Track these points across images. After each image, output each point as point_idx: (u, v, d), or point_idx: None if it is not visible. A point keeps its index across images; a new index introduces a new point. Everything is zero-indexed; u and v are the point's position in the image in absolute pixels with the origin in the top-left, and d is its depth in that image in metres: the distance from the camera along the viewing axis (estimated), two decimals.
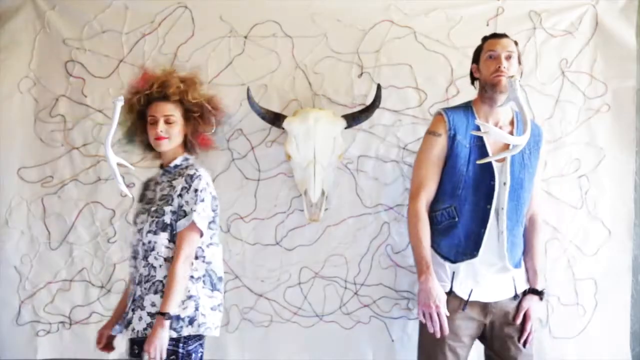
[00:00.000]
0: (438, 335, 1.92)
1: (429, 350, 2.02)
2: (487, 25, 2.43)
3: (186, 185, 1.89)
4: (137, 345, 1.84)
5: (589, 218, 2.43)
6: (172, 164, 1.98)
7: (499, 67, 1.99)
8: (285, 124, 2.32)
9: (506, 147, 1.98)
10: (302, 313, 2.45)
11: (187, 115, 1.98)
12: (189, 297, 1.85)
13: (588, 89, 2.44)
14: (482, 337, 2.08)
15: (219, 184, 2.47)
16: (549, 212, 2.39)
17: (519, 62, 2.06)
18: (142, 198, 2.04)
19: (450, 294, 1.99)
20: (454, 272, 2.01)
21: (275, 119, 2.34)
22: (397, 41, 2.45)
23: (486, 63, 2.03)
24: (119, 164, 1.95)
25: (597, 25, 2.43)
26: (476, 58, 2.11)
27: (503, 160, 1.99)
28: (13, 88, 2.52)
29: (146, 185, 2.07)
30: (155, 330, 1.77)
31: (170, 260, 1.86)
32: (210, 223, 1.93)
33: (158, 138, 1.93)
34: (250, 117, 2.42)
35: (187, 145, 2.02)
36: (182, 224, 1.86)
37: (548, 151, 2.41)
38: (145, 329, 1.83)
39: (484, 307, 2.01)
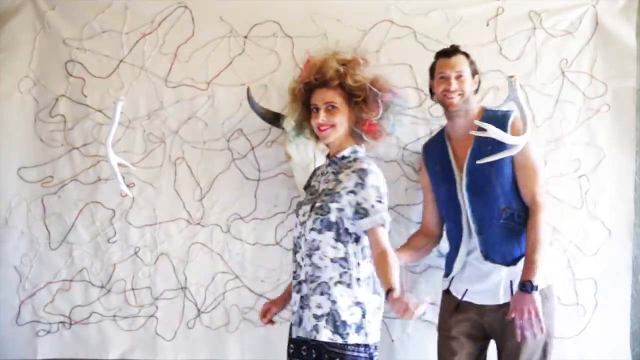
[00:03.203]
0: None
1: (438, 349, 2.15)
2: (487, 25, 2.43)
3: (360, 182, 1.77)
4: (306, 346, 1.82)
5: (589, 218, 2.42)
6: (338, 155, 1.86)
7: (448, 88, 2.05)
8: (285, 124, 2.31)
9: (467, 150, 2.05)
10: None
11: (351, 100, 1.83)
12: (357, 304, 1.77)
13: (588, 89, 2.44)
14: (489, 338, 2.11)
15: (219, 184, 2.48)
16: (549, 212, 2.39)
17: (475, 73, 2.11)
18: (307, 185, 1.97)
19: (447, 292, 2.12)
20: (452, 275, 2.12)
21: (275, 119, 2.34)
22: (397, 41, 2.45)
23: (437, 83, 2.11)
24: (119, 164, 1.95)
25: (597, 25, 2.43)
26: (432, 74, 2.16)
27: (461, 171, 2.06)
28: (13, 88, 2.52)
29: (313, 173, 2.00)
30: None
31: (337, 261, 1.78)
32: None
33: (320, 128, 1.82)
34: (250, 117, 2.42)
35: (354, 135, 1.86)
36: (366, 223, 1.76)
37: (548, 151, 2.41)
38: (311, 331, 1.77)
39: (479, 308, 2.05)
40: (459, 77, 2.06)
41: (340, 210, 1.79)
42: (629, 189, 2.44)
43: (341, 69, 1.81)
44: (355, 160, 1.85)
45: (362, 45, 2.45)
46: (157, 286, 2.49)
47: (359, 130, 1.85)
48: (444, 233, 2.25)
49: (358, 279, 1.79)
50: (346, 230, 1.80)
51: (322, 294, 1.77)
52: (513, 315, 1.91)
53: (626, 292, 2.43)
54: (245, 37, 2.49)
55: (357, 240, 1.81)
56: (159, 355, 2.49)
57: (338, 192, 1.79)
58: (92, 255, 2.51)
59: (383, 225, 1.77)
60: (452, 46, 2.15)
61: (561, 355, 2.39)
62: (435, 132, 2.32)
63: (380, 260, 1.72)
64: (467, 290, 2.07)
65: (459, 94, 2.05)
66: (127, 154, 2.43)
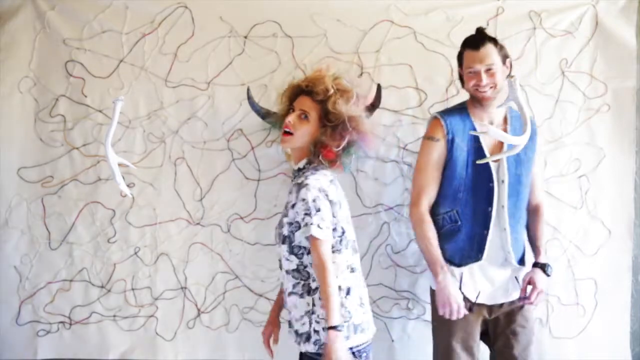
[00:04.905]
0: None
1: (444, 352, 2.04)
2: (487, 25, 2.42)
3: (297, 195, 1.79)
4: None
5: (589, 218, 2.43)
6: (296, 167, 1.90)
7: (479, 83, 1.97)
8: None
9: (502, 145, 2.01)
10: None
11: (322, 120, 1.86)
12: (307, 313, 1.80)
13: (588, 89, 2.44)
14: (486, 335, 2.09)
15: (219, 184, 2.48)
16: (549, 212, 2.39)
17: (506, 58, 2.02)
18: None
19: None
20: (462, 274, 2.03)
21: (275, 119, 2.34)
22: (397, 41, 2.45)
23: (467, 77, 2.02)
24: (119, 164, 1.95)
25: (597, 25, 2.43)
26: (460, 62, 2.07)
27: (498, 160, 2.01)
28: (13, 88, 2.51)
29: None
30: (330, 345, 1.67)
31: (290, 273, 1.83)
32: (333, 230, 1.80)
33: (285, 127, 1.85)
34: (250, 117, 2.42)
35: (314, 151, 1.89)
36: (297, 235, 1.79)
37: (548, 151, 2.41)
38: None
39: (490, 307, 2.05)
40: (488, 70, 1.96)
41: (290, 224, 1.83)
42: (629, 189, 2.44)
43: (330, 91, 1.85)
44: (304, 172, 1.88)
45: (362, 45, 2.45)
46: (157, 286, 2.49)
47: (317, 149, 1.88)
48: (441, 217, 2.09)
49: (316, 289, 1.80)
50: (298, 243, 1.83)
51: (286, 303, 1.89)
52: (532, 294, 2.02)
53: (626, 292, 2.44)
54: (245, 37, 2.49)
55: (309, 252, 1.80)
56: (159, 355, 2.49)
57: (286, 207, 1.85)
58: (92, 255, 2.51)
59: (316, 237, 1.74)
60: (479, 31, 2.03)
61: (561, 355, 2.40)
62: (453, 105, 2.19)
63: (320, 290, 1.75)
64: (480, 292, 2.03)
65: (491, 87, 1.97)
66: (127, 154, 2.43)
